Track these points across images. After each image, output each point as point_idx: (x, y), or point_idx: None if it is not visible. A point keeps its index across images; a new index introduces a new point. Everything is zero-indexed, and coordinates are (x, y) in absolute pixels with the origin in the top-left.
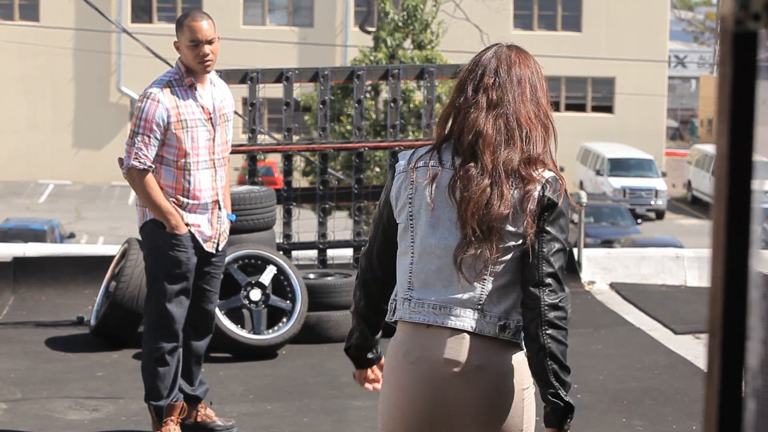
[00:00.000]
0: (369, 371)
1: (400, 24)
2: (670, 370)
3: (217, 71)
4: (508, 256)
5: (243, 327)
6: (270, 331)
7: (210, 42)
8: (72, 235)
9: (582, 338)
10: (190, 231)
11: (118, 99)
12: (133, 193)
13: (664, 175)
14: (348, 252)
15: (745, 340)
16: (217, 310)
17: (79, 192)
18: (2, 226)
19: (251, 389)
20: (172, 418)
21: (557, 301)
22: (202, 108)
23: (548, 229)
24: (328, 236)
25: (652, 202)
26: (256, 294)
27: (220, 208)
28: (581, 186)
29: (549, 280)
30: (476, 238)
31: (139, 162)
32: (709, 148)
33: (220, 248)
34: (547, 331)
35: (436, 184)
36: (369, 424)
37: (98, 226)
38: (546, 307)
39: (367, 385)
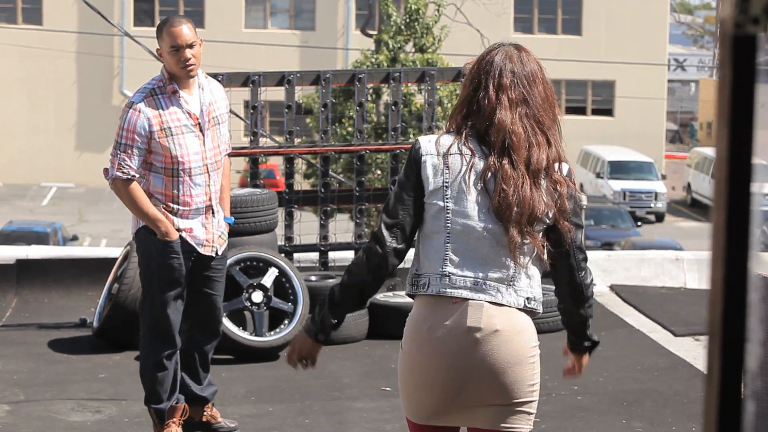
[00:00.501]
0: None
1: (402, 27)
2: (669, 371)
3: (219, 75)
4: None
5: (245, 329)
6: (272, 333)
7: (191, 46)
8: (75, 238)
9: None
10: (181, 236)
11: (120, 102)
12: None
13: (663, 177)
14: (349, 254)
15: (744, 342)
16: None
17: (81, 195)
18: (5, 228)
19: (253, 391)
20: (174, 419)
21: (590, 280)
22: (189, 114)
23: (575, 220)
24: (329, 238)
25: (652, 205)
26: (257, 296)
27: (213, 213)
28: (581, 188)
29: (584, 264)
30: (520, 232)
31: (123, 172)
32: (709, 151)
33: (219, 252)
34: (587, 305)
35: (473, 173)
36: (370, 426)
37: (101, 229)
38: (586, 288)
39: (300, 366)
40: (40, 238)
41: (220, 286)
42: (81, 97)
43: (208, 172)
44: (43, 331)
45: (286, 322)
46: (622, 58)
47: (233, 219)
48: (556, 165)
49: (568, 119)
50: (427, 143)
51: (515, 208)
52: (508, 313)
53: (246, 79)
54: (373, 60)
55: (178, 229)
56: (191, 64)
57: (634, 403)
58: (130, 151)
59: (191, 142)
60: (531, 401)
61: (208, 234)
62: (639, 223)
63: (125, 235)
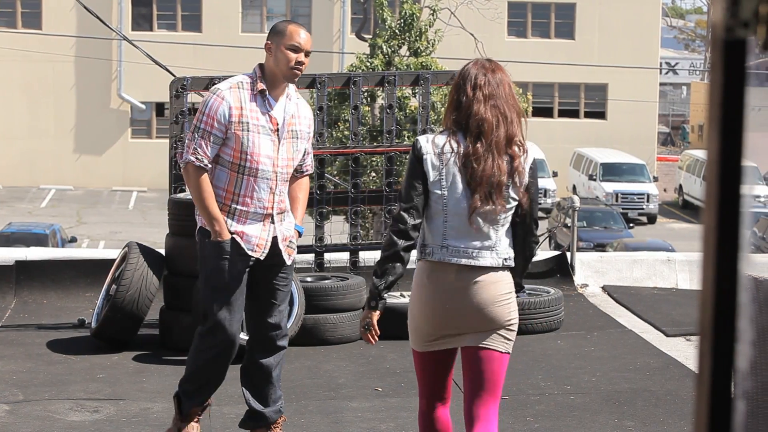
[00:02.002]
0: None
1: (397, 32)
2: (661, 371)
3: (215, 78)
4: (509, 213)
5: (241, 329)
6: None
7: (307, 54)
8: (73, 240)
9: (575, 340)
10: (233, 238)
11: (118, 105)
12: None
13: (655, 179)
14: (344, 256)
15: (735, 342)
16: None
17: (80, 197)
18: (5, 230)
19: (239, 391)
20: (196, 419)
21: (538, 237)
22: (269, 117)
23: (532, 192)
24: (325, 240)
25: (644, 207)
26: None
27: (273, 221)
28: (574, 190)
29: (534, 227)
30: (482, 198)
31: (197, 158)
32: (700, 154)
33: (286, 260)
34: (531, 253)
35: (458, 161)
36: (365, 426)
37: (99, 231)
38: (534, 240)
39: (370, 338)
40: (39, 240)
41: (282, 296)
42: (80, 101)
43: (276, 180)
44: (41, 331)
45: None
46: (614, 62)
47: (303, 228)
48: (515, 147)
49: (561, 122)
50: (425, 143)
51: (481, 179)
52: (487, 271)
53: None
54: (368, 64)
55: (232, 232)
56: (300, 69)
57: (627, 403)
58: (207, 138)
59: (265, 144)
60: (508, 329)
61: (261, 239)
62: (631, 225)
63: (123, 236)
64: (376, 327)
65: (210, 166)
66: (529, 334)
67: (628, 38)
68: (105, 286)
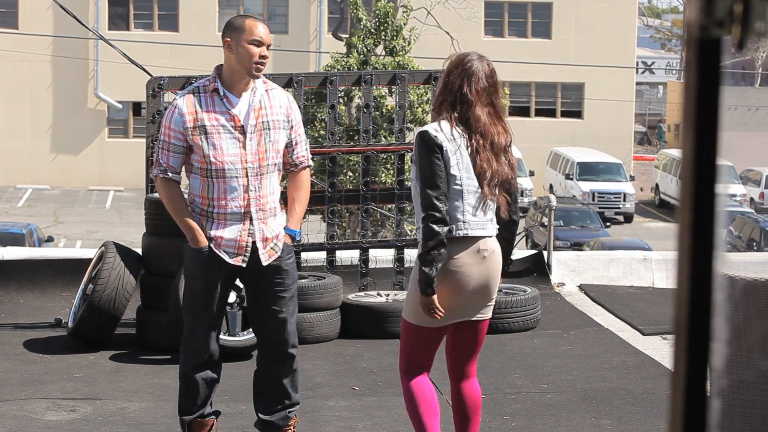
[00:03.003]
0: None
1: (373, 30)
2: (637, 370)
3: (192, 78)
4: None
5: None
6: (245, 332)
7: (268, 47)
8: (50, 239)
9: (551, 339)
10: (210, 246)
11: (95, 105)
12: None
13: (632, 179)
14: (321, 255)
15: (709, 340)
16: None
17: (57, 196)
18: None
19: (226, 390)
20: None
21: (518, 221)
22: (230, 115)
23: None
24: (302, 239)
25: (621, 206)
26: (231, 296)
27: (252, 221)
28: (551, 189)
29: (517, 214)
30: (490, 190)
31: (160, 170)
32: (676, 153)
33: (263, 261)
34: (513, 235)
35: (466, 150)
36: (342, 424)
37: (76, 230)
38: (515, 225)
39: (436, 315)
40: (16, 240)
41: (283, 302)
42: (56, 100)
43: (247, 176)
44: (18, 331)
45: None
46: (591, 61)
47: (298, 231)
48: (510, 149)
49: (538, 121)
50: (436, 132)
51: (488, 175)
52: (493, 240)
53: None
54: (343, 63)
55: (209, 238)
56: (263, 63)
57: (603, 401)
58: (167, 148)
59: (228, 144)
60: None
61: (241, 243)
62: (608, 224)
63: (100, 236)
64: (439, 305)
65: (177, 175)
66: (505, 332)
67: (604, 38)
68: (82, 286)
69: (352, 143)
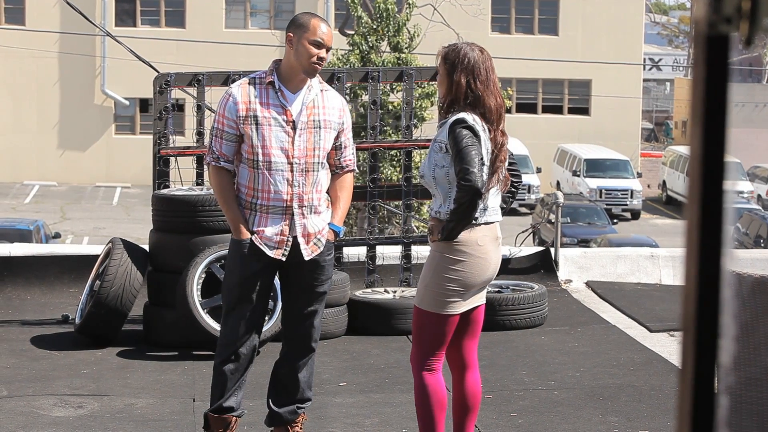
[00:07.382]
0: None
1: (374, 27)
2: (645, 367)
3: (199, 74)
4: None
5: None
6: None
7: (328, 49)
8: (57, 236)
9: (558, 336)
10: (251, 238)
11: (102, 101)
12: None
13: (639, 175)
14: None
15: (717, 337)
16: (199, 309)
17: (64, 193)
18: None
19: None
20: (220, 430)
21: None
22: (282, 109)
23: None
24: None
25: (628, 203)
26: None
27: (293, 216)
28: (558, 186)
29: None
30: (505, 180)
31: (213, 158)
32: (683, 150)
33: (304, 255)
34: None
35: (489, 142)
36: (349, 421)
37: (83, 227)
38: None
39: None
40: (23, 236)
41: (314, 299)
42: (63, 97)
43: (292, 172)
44: (25, 327)
45: (266, 318)
46: (598, 58)
47: (342, 228)
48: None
49: (545, 118)
50: (472, 121)
51: (504, 166)
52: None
53: (226, 79)
54: (344, 61)
55: (252, 232)
56: (320, 64)
57: (610, 398)
58: (221, 136)
59: (277, 137)
60: None
61: (282, 236)
62: (615, 221)
63: (107, 232)
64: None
65: (230, 164)
66: (513, 329)
67: (611, 34)
68: (89, 282)
69: (358, 140)
